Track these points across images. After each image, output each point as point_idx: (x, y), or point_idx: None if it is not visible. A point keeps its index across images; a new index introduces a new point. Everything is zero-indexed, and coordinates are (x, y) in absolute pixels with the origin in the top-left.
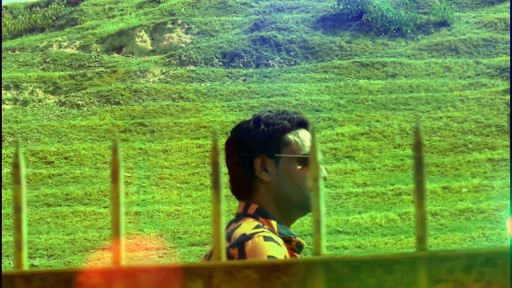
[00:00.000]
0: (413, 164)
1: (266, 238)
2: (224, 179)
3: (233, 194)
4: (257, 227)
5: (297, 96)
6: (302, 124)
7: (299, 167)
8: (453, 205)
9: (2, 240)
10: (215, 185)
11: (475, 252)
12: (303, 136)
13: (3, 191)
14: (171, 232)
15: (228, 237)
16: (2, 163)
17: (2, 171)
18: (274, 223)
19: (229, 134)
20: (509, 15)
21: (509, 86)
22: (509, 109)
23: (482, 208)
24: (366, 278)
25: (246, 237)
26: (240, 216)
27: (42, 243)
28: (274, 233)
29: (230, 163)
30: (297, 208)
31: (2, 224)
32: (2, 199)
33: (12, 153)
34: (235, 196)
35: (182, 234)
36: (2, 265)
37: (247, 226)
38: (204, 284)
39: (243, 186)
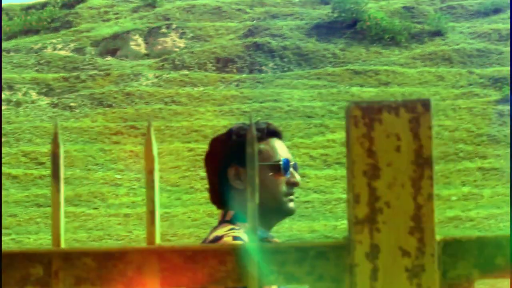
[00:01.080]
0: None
1: (235, 238)
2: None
3: (213, 203)
4: (231, 229)
5: (289, 102)
6: (273, 133)
7: (271, 173)
8: (442, 212)
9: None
10: (55, 176)
11: (307, 245)
12: (274, 145)
13: None
14: (160, 235)
15: (204, 241)
16: None
17: None
18: None
19: (207, 147)
20: (506, 25)
21: (501, 96)
22: (510, 113)
23: (471, 216)
24: (199, 267)
25: (217, 238)
26: (219, 223)
27: (31, 243)
28: None
29: (207, 174)
30: (272, 213)
31: None
32: None
33: (3, 153)
34: (215, 205)
35: (171, 237)
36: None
37: (222, 229)
38: (44, 270)
39: (220, 195)
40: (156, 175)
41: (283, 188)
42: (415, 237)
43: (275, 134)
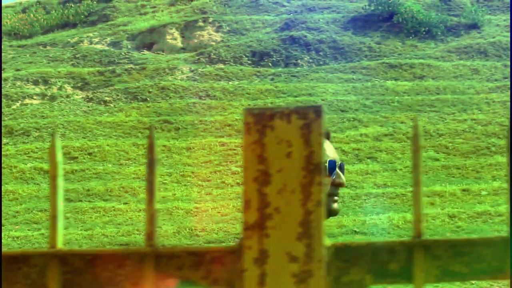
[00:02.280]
0: (147, 164)
1: None
2: None
3: None
4: None
5: (323, 96)
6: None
7: None
8: (471, 207)
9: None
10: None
11: (203, 250)
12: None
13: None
14: (189, 230)
15: None
16: (27, 158)
17: (26, 165)
18: None
19: None
20: None
21: None
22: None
23: (500, 211)
24: (99, 271)
25: None
26: None
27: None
28: None
29: None
30: None
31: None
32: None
33: (37, 148)
34: None
35: (199, 232)
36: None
37: None
38: None
39: None
40: (60, 181)
41: (328, 188)
42: (303, 243)
43: (325, 135)
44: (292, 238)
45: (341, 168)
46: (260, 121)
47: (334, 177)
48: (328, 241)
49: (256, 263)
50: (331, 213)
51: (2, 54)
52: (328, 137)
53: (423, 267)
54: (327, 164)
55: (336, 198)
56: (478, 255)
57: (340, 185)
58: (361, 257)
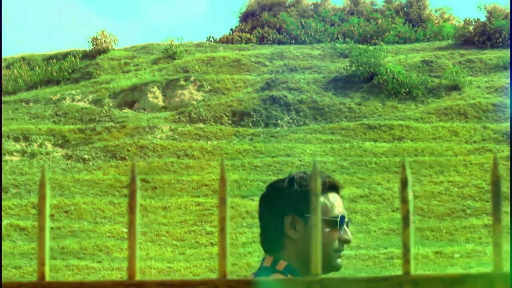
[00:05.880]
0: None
1: None
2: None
3: (262, 246)
4: None
5: (301, 156)
6: (333, 187)
7: (327, 229)
8: (443, 270)
9: None
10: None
11: None
12: (332, 200)
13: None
14: None
15: None
16: (4, 214)
17: (2, 222)
18: None
19: (264, 190)
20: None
21: None
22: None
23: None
24: None
25: None
26: (269, 271)
27: None
28: None
29: (262, 218)
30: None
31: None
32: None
33: (14, 204)
34: (263, 249)
35: None
36: None
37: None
38: None
39: (272, 240)
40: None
41: (336, 244)
42: None
43: (335, 188)
44: None
45: (347, 224)
46: None
47: (342, 233)
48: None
49: None
50: (335, 268)
51: None
52: (338, 190)
53: None
54: (338, 220)
55: (340, 253)
56: None
57: (347, 241)
58: None
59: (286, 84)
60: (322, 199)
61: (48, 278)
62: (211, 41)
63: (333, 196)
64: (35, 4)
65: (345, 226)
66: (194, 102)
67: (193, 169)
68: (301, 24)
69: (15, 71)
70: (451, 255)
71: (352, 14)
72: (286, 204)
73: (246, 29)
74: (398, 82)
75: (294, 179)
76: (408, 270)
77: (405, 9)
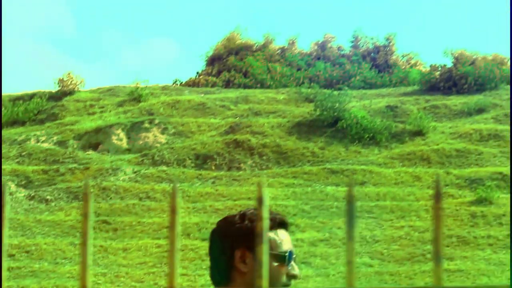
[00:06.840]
0: None
1: None
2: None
3: (211, 279)
4: None
5: None
6: (282, 224)
7: (276, 264)
8: None
9: None
10: None
11: None
12: (281, 236)
13: None
14: None
15: None
16: None
17: None
18: None
19: (216, 225)
20: (488, 125)
21: (475, 198)
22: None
23: None
24: None
25: None
26: None
27: None
28: None
29: (213, 251)
30: None
31: None
32: None
33: None
34: (213, 282)
35: None
36: None
37: None
38: None
39: (222, 274)
40: None
41: (284, 279)
42: None
43: (283, 225)
44: None
45: (295, 260)
46: None
47: (290, 268)
48: None
49: None
50: None
51: None
52: (286, 227)
53: None
54: (287, 255)
55: None
56: None
57: (294, 277)
58: None
59: (250, 128)
60: (271, 234)
61: None
62: (177, 84)
63: (282, 233)
64: (4, 44)
65: (293, 261)
66: (158, 145)
67: (154, 211)
68: (268, 69)
69: None
70: None
71: (319, 59)
72: (237, 238)
73: (213, 73)
74: (362, 127)
75: (246, 215)
76: None
77: (372, 54)
